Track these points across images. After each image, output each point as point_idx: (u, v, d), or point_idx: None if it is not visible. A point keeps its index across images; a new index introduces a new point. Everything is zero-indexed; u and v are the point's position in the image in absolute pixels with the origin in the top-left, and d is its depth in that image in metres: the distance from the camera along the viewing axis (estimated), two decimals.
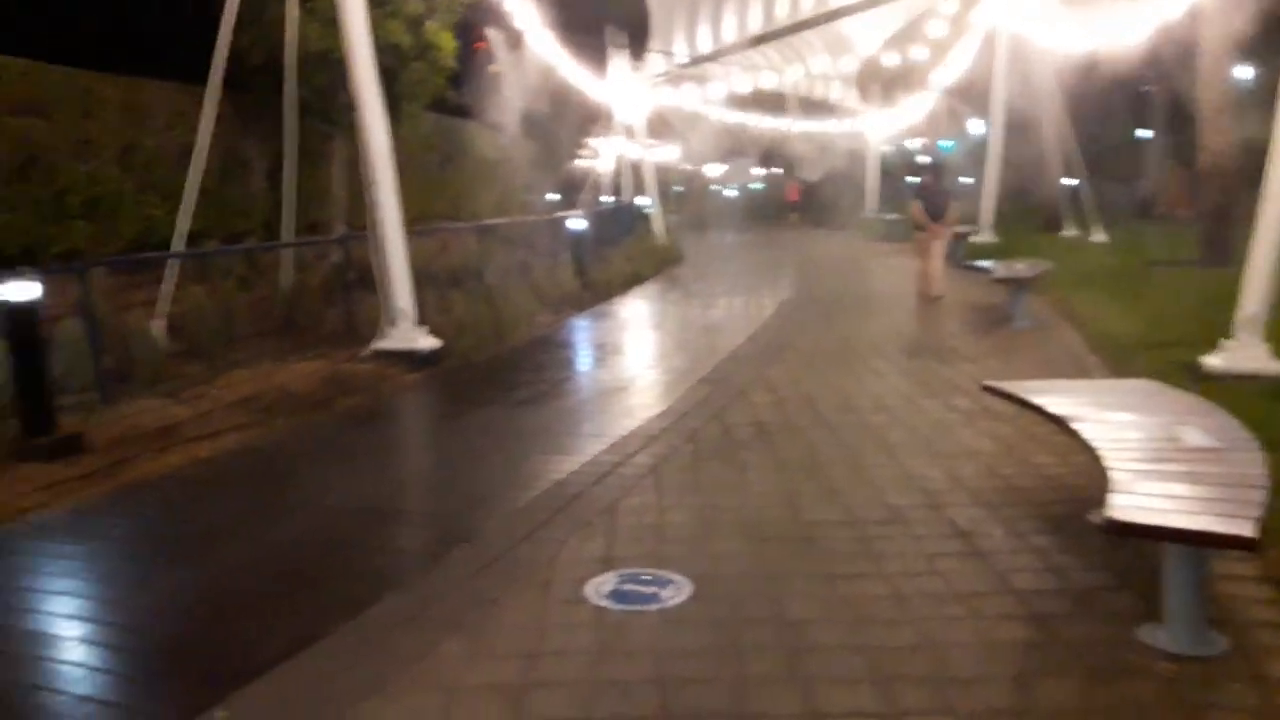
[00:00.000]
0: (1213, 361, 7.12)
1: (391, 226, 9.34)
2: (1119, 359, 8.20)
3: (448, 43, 13.88)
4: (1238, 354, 7.02)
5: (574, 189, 24.93)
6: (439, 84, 14.36)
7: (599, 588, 3.93)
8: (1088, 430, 4.09)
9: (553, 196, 38.63)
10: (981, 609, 3.62)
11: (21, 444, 6.05)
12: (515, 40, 19.12)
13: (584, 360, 9.88)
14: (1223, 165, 14.56)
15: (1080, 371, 8.02)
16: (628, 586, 3.97)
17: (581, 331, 11.91)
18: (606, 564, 4.18)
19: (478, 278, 13.73)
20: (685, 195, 59.93)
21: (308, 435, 7.16)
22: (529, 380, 8.75)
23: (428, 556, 4.53)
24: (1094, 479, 3.82)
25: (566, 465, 5.78)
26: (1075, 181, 23.28)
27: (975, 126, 41.83)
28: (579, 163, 45.84)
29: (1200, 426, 4.08)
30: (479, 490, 5.64)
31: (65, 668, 3.62)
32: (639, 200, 25.41)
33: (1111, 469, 3.57)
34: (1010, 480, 5.11)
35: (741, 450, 5.89)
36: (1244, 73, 23.12)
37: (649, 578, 4.04)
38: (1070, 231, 22.26)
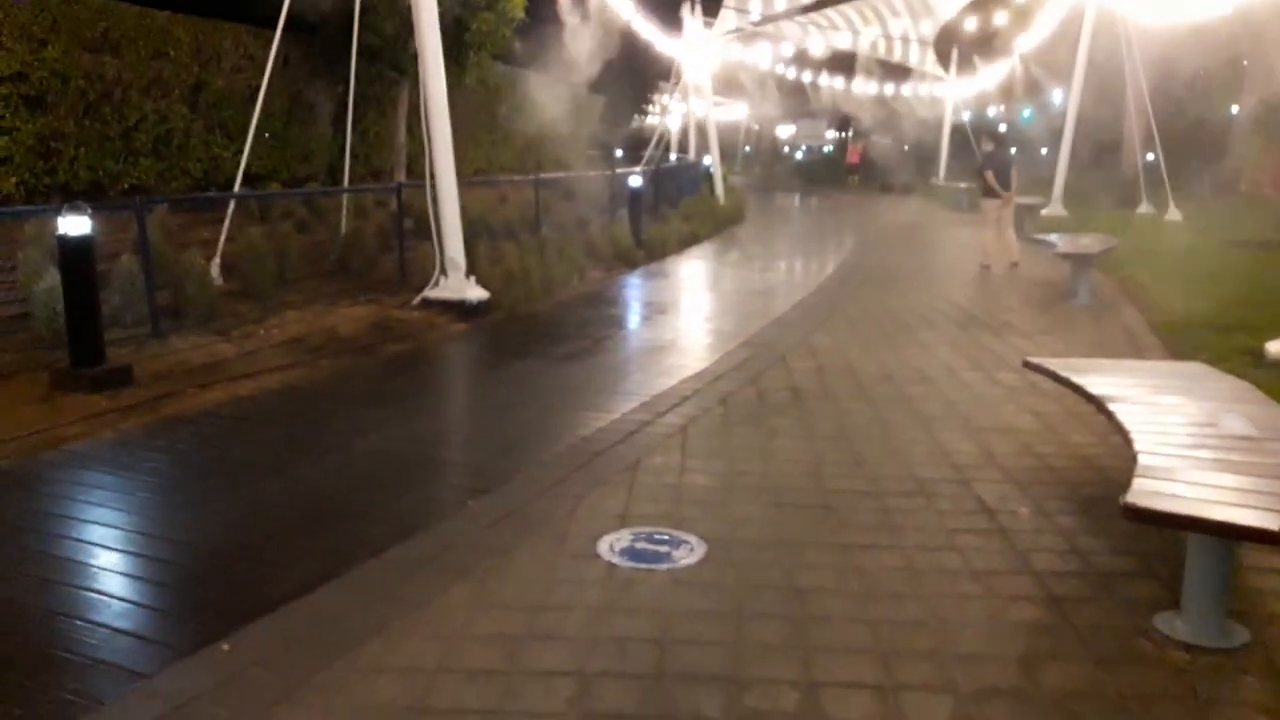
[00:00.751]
0: (1276, 348, 6.82)
1: (446, 178, 9.37)
2: (1179, 342, 7.91)
3: None
4: None
5: (641, 145, 24.68)
6: (507, 35, 14.30)
7: (613, 544, 3.94)
8: (1124, 412, 3.96)
9: (620, 153, 38.42)
10: (997, 587, 3.54)
11: (69, 375, 6.24)
12: None
13: (628, 318, 9.90)
14: None
15: (1135, 352, 7.76)
16: (641, 545, 3.96)
17: (631, 289, 11.89)
18: (623, 521, 4.18)
19: (533, 231, 13.76)
20: (753, 155, 59.26)
21: (350, 378, 7.28)
22: (571, 335, 8.78)
23: (450, 504, 4.58)
24: (1131, 462, 3.70)
25: (596, 422, 5.79)
26: (1150, 157, 22.43)
27: (1056, 97, 40.50)
28: (647, 119, 45.49)
29: (1245, 414, 3.91)
30: (508, 441, 5.68)
31: (86, 594, 3.75)
32: (704, 160, 25.08)
33: (1141, 452, 3.45)
34: (1045, 459, 4.98)
35: (773, 415, 5.83)
36: None
37: (664, 537, 4.03)
38: (1145, 209, 21.44)
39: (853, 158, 44.05)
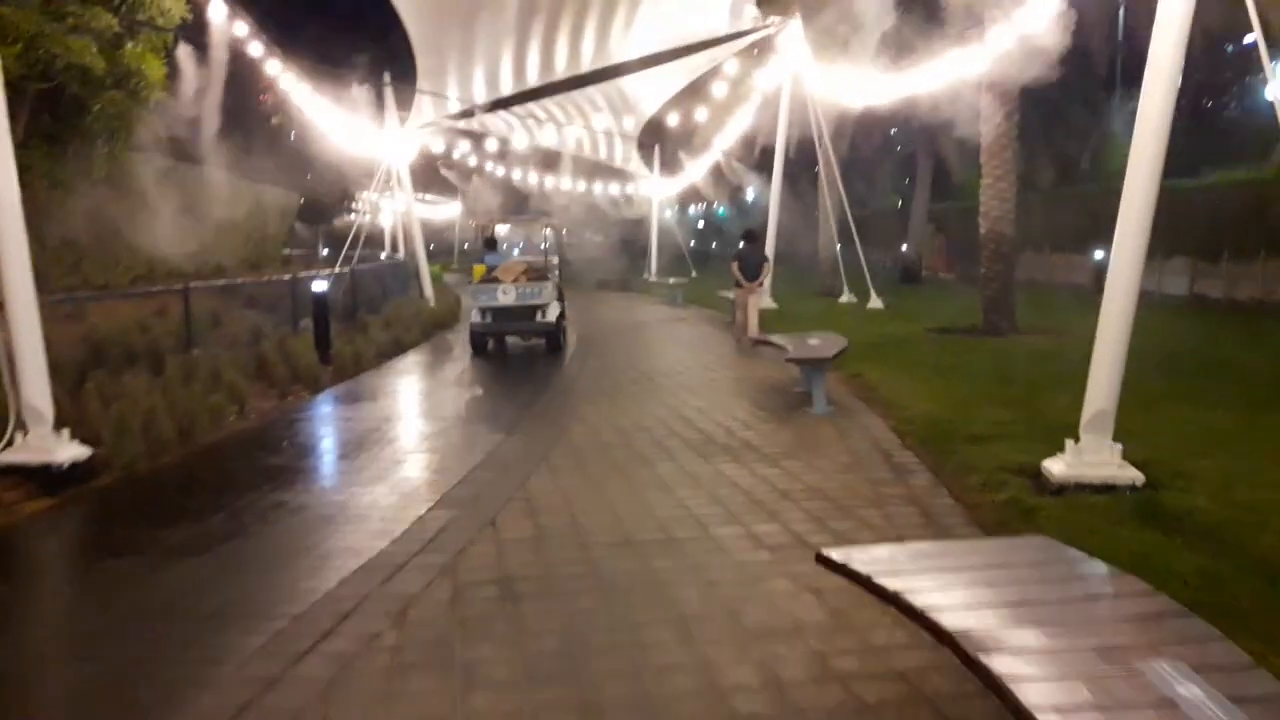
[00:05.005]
0: (1056, 468, 5.98)
1: (21, 300, 6.85)
2: (938, 458, 7.02)
3: (154, 69, 11.39)
4: (1086, 458, 5.91)
5: (351, 245, 22.31)
6: (143, 117, 11.80)
7: None
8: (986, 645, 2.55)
9: (325, 251, 35.51)
10: None
11: None
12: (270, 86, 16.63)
13: (289, 471, 7.44)
14: (1003, 232, 14.35)
15: (895, 472, 6.76)
16: None
17: (305, 423, 9.66)
18: None
19: (184, 350, 11.18)
20: (471, 253, 57.80)
21: None
22: (201, 506, 6.46)
23: None
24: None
25: (184, 692, 3.69)
26: (837, 246, 23.36)
27: (752, 190, 42.62)
28: (355, 217, 42.92)
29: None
30: None
31: None
32: (419, 257, 23.11)
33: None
34: (852, 686, 3.53)
35: (472, 641, 4.03)
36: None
37: None
38: (847, 297, 22.05)
39: None
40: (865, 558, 3.22)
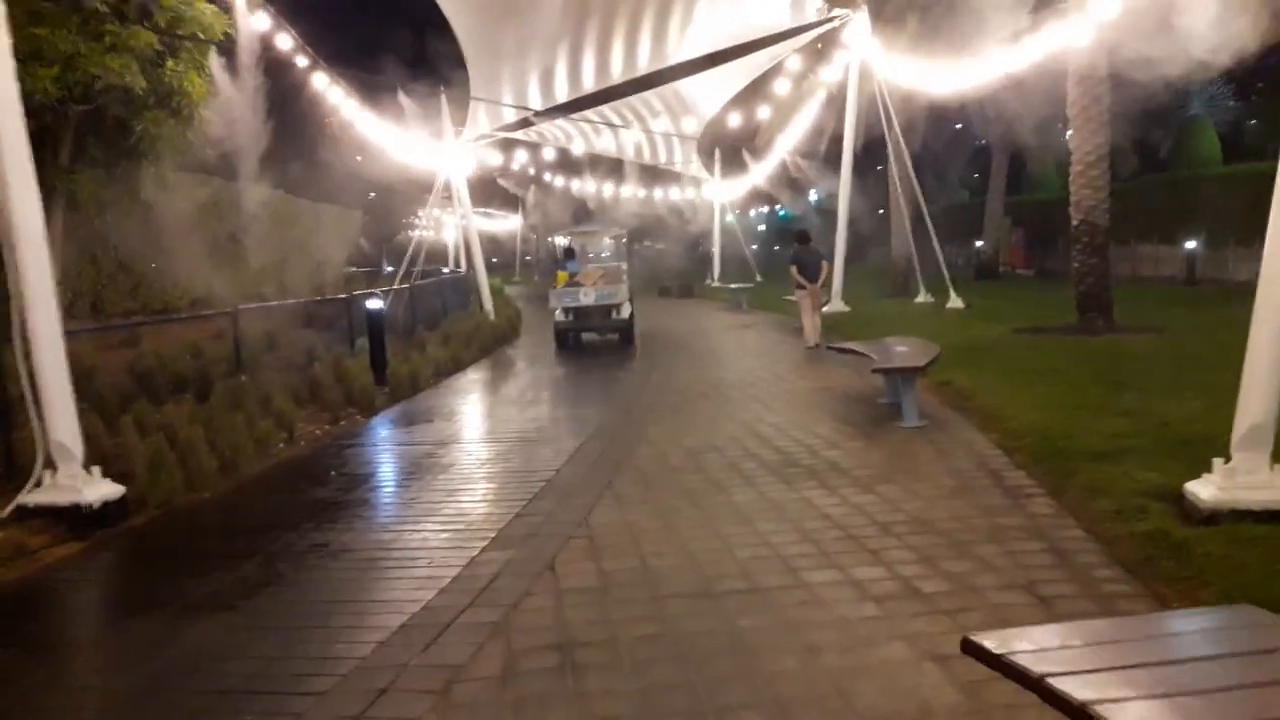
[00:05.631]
0: (1205, 492, 5.08)
1: (47, 333, 6.39)
2: (1057, 479, 6.14)
3: (197, 88, 10.97)
4: (1240, 480, 5.01)
5: (412, 261, 22.09)
6: (189, 137, 11.40)
7: None
8: None
9: (389, 269, 35.48)
10: None
11: None
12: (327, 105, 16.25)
13: (333, 507, 6.75)
14: (1097, 223, 13.27)
15: (1009, 496, 5.92)
16: None
17: (356, 451, 9.10)
18: None
19: (232, 375, 10.77)
20: (533, 265, 57.66)
21: None
22: (234, 550, 5.89)
23: None
24: None
25: None
26: (911, 243, 22.26)
27: (817, 191, 41.57)
28: (417, 233, 43.15)
29: None
30: None
31: None
32: (478, 271, 22.69)
33: None
34: None
35: None
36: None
37: None
38: (924, 298, 20.99)
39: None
40: (1028, 645, 2.43)
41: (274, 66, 14.11)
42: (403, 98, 20.43)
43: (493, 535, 5.74)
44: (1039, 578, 4.56)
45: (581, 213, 41.27)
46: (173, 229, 14.46)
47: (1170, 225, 23.85)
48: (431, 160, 21.13)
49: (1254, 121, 32.64)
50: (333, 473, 7.96)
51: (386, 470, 8.24)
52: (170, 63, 10.80)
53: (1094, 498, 5.60)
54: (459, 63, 17.78)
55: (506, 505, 6.43)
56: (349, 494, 7.21)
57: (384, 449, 9.27)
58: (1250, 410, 5.07)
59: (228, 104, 11.56)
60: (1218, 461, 5.17)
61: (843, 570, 4.79)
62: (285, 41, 11.59)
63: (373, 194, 38.94)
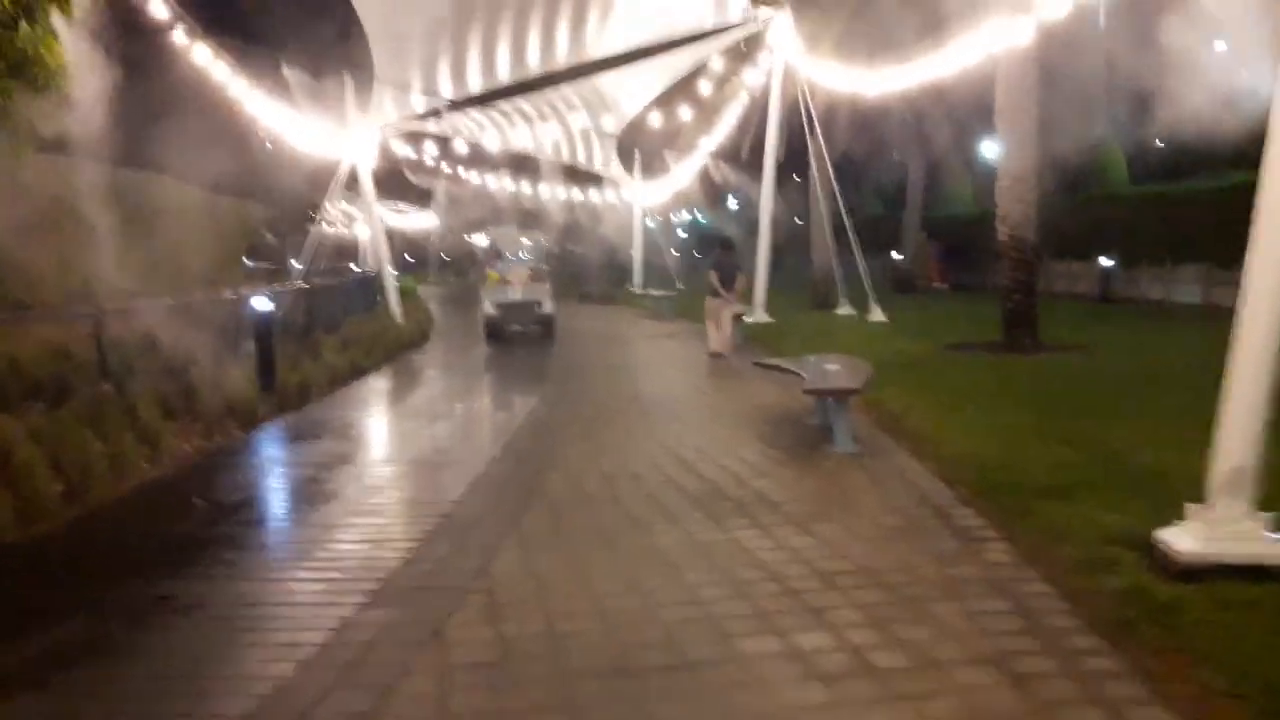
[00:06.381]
0: (1182, 543, 4.53)
1: None
2: (1006, 514, 5.59)
3: (55, 55, 9.74)
4: (1219, 529, 4.47)
5: (313, 257, 20.94)
6: (47, 112, 10.14)
7: None
8: None
9: (296, 265, 33.80)
10: None
11: None
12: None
13: (190, 544, 5.73)
14: (1025, 238, 12.98)
15: (960, 539, 5.32)
16: None
17: (225, 473, 8.05)
18: None
19: (95, 383, 9.58)
20: (448, 265, 56.11)
21: None
22: (61, 603, 4.90)
23: None
24: None
25: None
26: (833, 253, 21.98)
27: (736, 197, 41.31)
28: (317, 227, 41.32)
29: None
30: None
31: None
32: (384, 270, 21.52)
33: None
34: None
35: None
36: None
37: None
38: (846, 310, 20.65)
39: None
40: None
41: (154, 37, 12.91)
42: (301, 75, 19.22)
43: (373, 589, 4.88)
44: (1009, 648, 3.93)
45: (498, 213, 40.17)
46: (37, 216, 13.12)
47: (1083, 242, 24.06)
48: (335, 147, 19.92)
49: (1159, 144, 33.42)
50: (197, 501, 6.94)
51: (258, 498, 7.27)
52: (24, 28, 9.58)
53: (1054, 544, 5.03)
54: (363, 43, 16.76)
55: (393, 548, 5.57)
56: (211, 529, 6.23)
57: (261, 471, 8.28)
58: (1231, 451, 4.55)
59: (95, 77, 10.36)
60: (1191, 506, 4.65)
61: (783, 637, 4.09)
62: (160, 8, 10.42)
63: (274, 184, 37.12)
